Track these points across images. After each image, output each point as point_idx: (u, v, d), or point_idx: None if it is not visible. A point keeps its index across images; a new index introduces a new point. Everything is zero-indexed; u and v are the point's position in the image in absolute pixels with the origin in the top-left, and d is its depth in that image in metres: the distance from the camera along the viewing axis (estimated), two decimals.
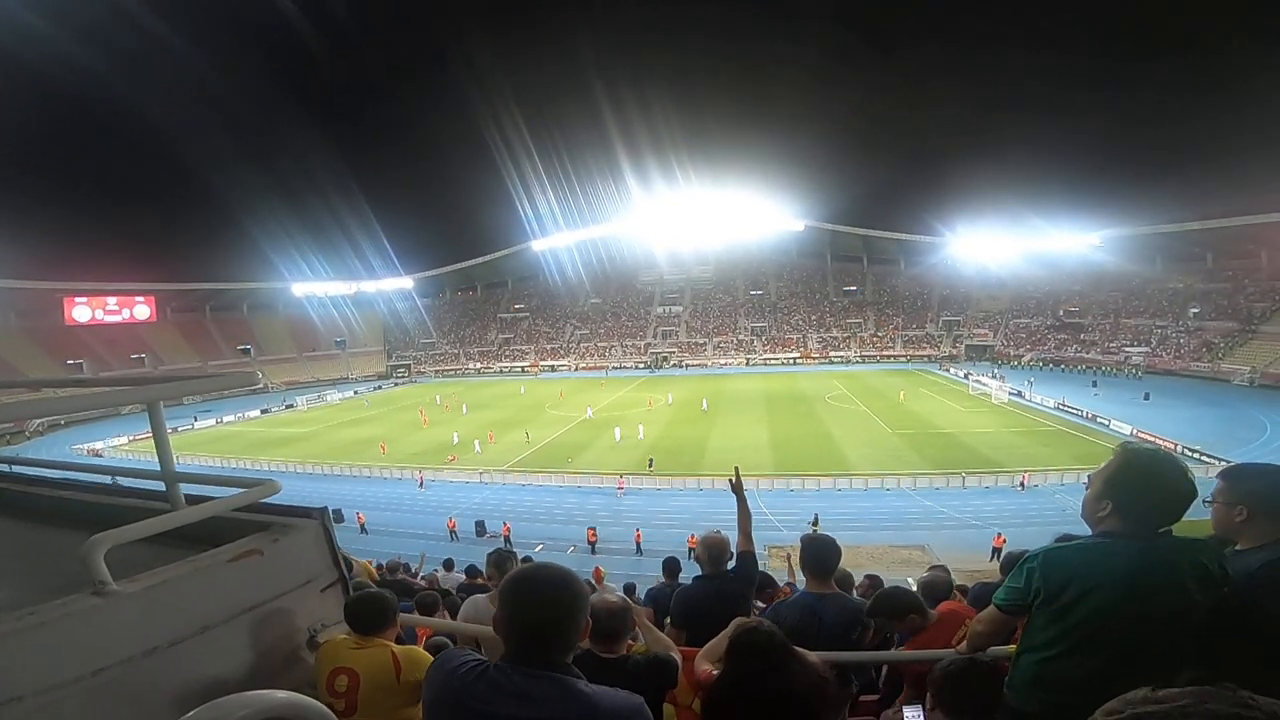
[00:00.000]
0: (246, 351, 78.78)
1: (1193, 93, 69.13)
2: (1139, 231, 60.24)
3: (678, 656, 2.27)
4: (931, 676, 1.92)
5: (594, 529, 21.78)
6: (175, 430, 43.93)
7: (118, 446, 41.52)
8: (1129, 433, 31.59)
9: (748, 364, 71.86)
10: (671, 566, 5.85)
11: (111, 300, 72.00)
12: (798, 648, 1.89)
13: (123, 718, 1.35)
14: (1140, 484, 1.72)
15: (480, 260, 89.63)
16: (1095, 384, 47.38)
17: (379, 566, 10.65)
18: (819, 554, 3.04)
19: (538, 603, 1.35)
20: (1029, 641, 1.91)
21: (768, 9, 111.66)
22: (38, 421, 49.02)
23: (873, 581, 6.46)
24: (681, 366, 73.24)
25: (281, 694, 1.15)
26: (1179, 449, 28.05)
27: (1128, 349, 56.76)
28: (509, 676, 1.33)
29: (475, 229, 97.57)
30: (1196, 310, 56.55)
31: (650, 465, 29.54)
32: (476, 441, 35.69)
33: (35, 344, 63.08)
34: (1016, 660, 1.95)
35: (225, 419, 51.68)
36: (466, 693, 1.34)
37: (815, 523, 21.21)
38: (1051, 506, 23.23)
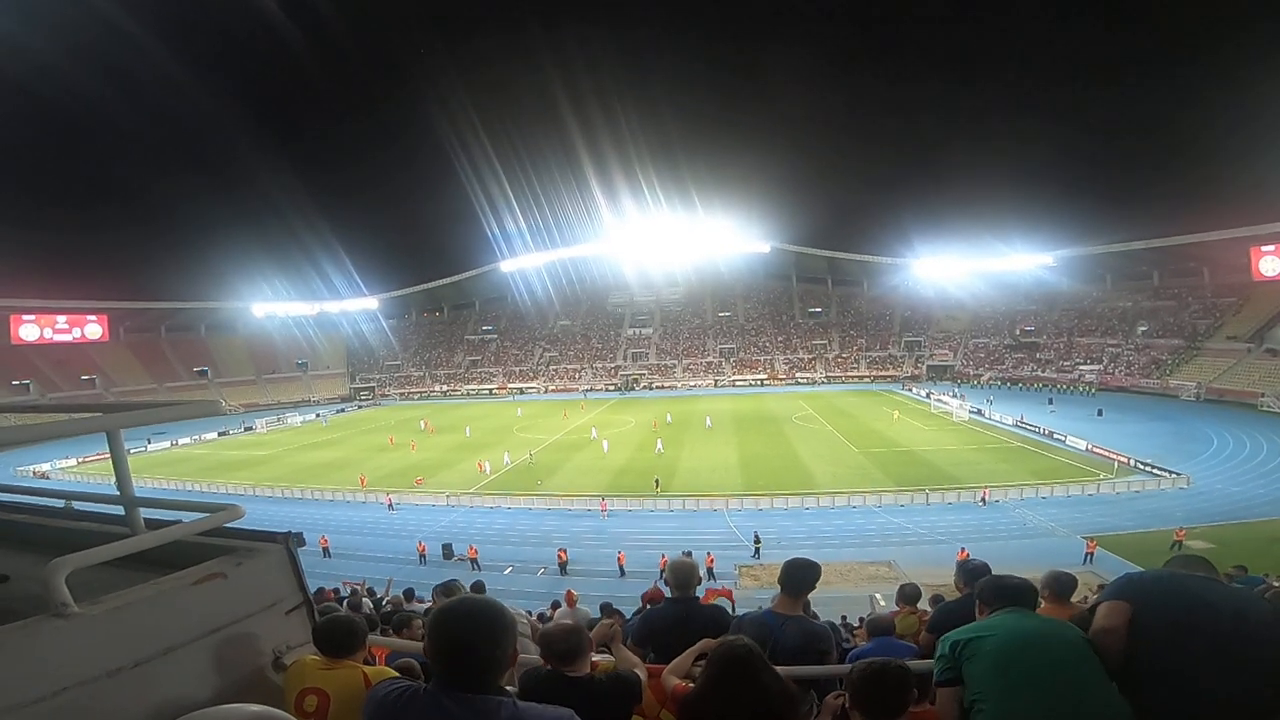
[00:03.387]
0: (203, 373, 76.26)
1: (1138, 119, 73.45)
2: (1090, 251, 62.90)
3: (643, 674, 2.33)
4: (849, 677, 2.01)
5: (564, 550, 21.51)
6: (129, 452, 42.14)
7: (67, 469, 39.82)
8: (1084, 448, 32.64)
9: (716, 385, 72.31)
10: None
11: (61, 319, 69.15)
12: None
13: None
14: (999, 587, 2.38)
15: (447, 281, 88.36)
16: (1051, 401, 48.86)
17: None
18: (796, 575, 3.08)
19: (458, 631, 1.43)
20: (969, 697, 1.91)
21: (736, 35, 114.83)
22: None
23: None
24: (651, 388, 73.35)
25: (254, 707, 1.17)
26: (1132, 462, 29.12)
27: (1081, 367, 58.82)
28: (438, 700, 1.40)
29: (442, 249, 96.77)
30: (1145, 328, 58.96)
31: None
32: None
33: None
34: None
35: (180, 441, 49.83)
36: (398, 717, 1.42)
37: (757, 541, 21.48)
38: (1012, 521, 23.78)
